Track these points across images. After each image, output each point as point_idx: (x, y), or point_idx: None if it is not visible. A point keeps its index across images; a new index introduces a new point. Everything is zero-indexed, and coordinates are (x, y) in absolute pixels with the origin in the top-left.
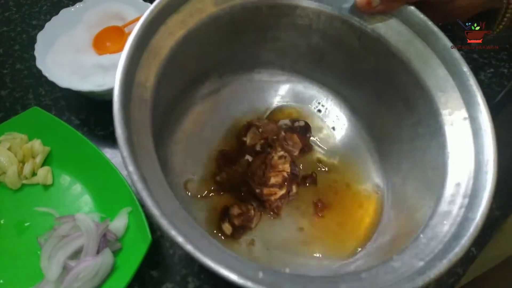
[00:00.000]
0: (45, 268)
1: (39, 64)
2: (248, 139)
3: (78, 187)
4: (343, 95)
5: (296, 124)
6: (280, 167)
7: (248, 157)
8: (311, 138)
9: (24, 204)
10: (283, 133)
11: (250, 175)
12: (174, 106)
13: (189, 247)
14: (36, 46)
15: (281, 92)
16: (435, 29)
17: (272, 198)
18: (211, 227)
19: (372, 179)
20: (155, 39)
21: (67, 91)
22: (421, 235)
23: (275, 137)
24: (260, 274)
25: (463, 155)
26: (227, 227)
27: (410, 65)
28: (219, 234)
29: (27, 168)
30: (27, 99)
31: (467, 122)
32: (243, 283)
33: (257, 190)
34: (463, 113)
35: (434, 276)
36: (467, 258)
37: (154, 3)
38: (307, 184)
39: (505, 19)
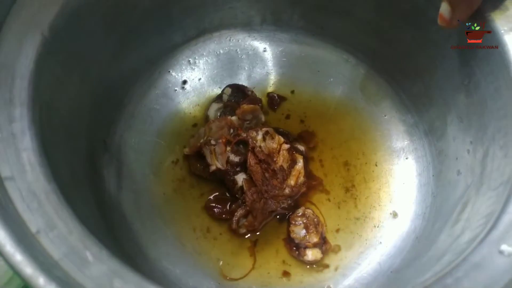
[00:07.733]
0: None
1: None
2: (216, 163)
3: None
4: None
5: (225, 96)
6: (275, 146)
7: (243, 176)
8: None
9: None
10: (232, 118)
11: (266, 188)
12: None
13: None
14: None
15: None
16: None
17: (302, 177)
18: (284, 273)
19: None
20: None
21: None
22: None
23: (232, 130)
24: None
25: None
26: (314, 253)
27: None
28: (313, 266)
29: None
30: None
31: None
32: None
33: (287, 190)
34: None
35: None
36: None
37: None
38: None
39: None
